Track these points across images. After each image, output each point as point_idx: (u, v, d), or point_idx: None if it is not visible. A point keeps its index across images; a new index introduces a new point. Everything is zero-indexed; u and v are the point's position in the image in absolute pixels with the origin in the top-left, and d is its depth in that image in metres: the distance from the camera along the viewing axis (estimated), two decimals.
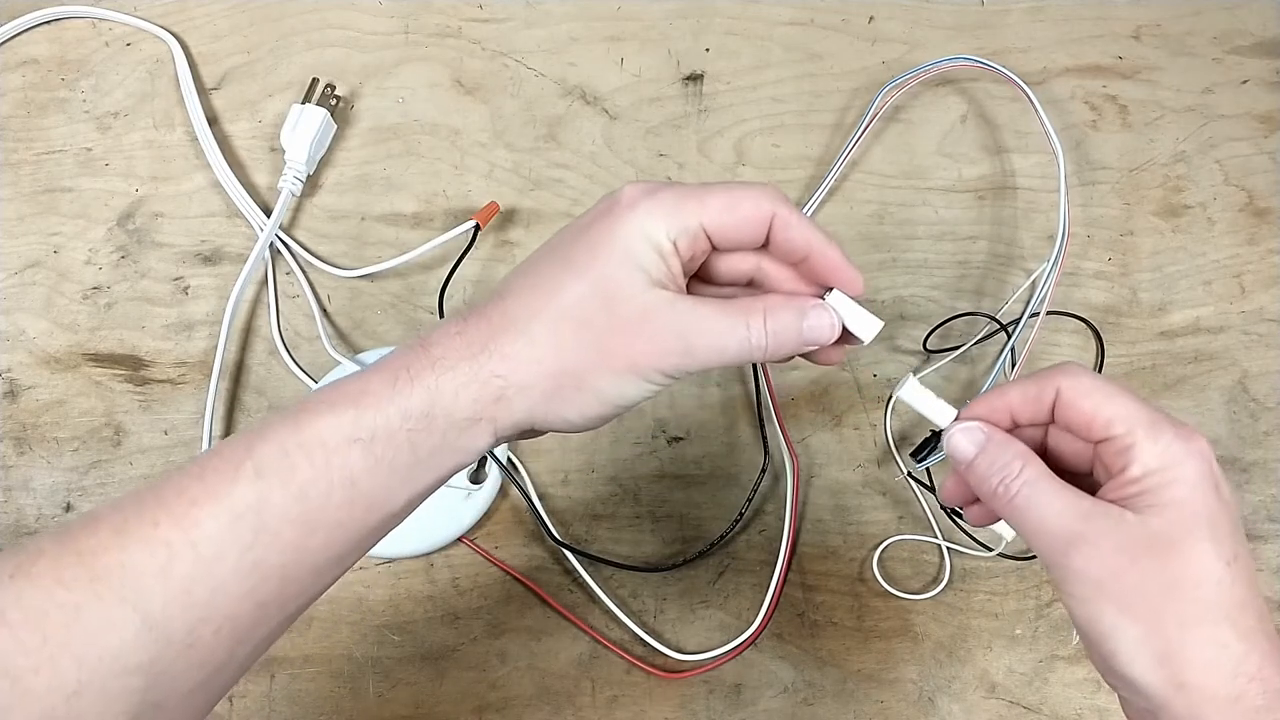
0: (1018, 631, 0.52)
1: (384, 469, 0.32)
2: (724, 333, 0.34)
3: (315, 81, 0.59)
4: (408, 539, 0.52)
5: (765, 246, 0.36)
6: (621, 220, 0.34)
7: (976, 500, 0.37)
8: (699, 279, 0.37)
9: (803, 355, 0.37)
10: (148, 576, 0.30)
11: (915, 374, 0.41)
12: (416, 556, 0.53)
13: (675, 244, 0.34)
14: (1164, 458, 0.32)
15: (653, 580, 0.53)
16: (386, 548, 0.52)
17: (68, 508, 0.54)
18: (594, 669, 0.52)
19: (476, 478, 0.53)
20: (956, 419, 0.36)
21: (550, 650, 0.52)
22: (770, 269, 0.37)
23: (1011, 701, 0.51)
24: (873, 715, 0.51)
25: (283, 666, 0.51)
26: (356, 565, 0.52)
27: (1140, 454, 0.32)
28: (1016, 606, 0.52)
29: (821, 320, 0.36)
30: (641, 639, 0.51)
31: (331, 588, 0.51)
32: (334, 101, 0.58)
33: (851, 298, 0.36)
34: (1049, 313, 0.56)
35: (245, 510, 0.31)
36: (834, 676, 0.52)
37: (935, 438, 0.51)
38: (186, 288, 0.57)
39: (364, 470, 0.32)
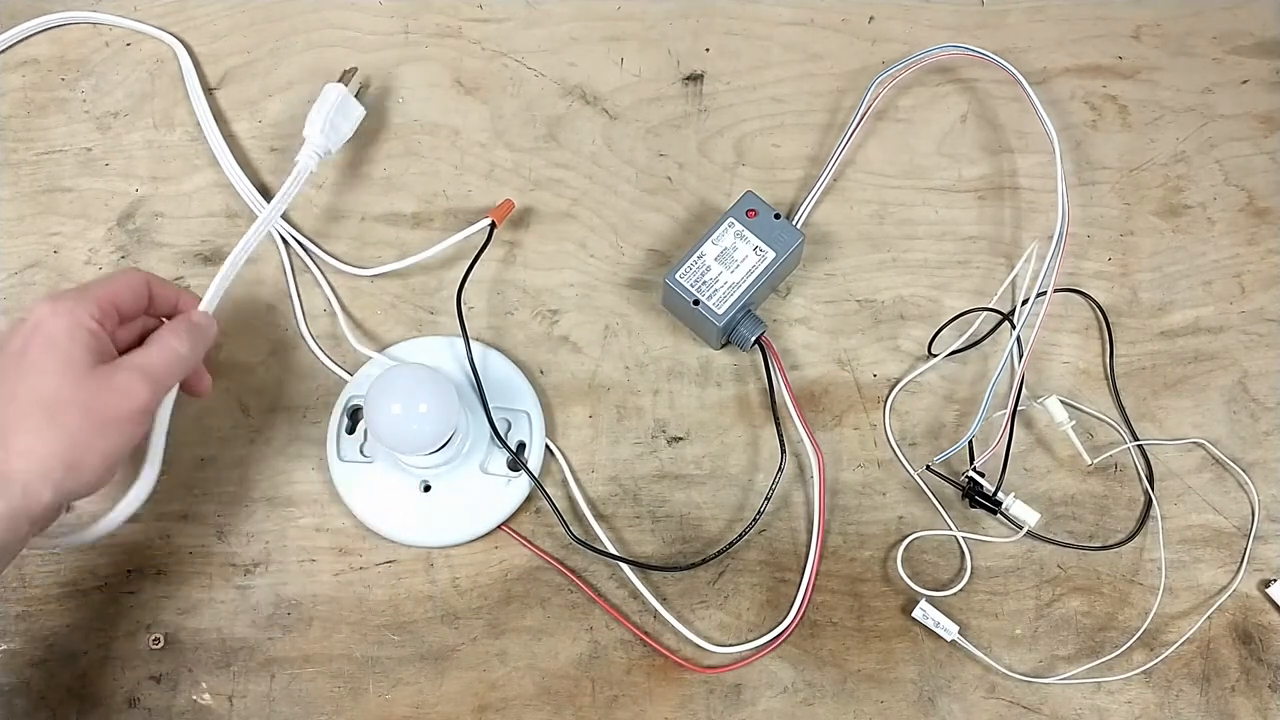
0: (1018, 631, 0.52)
1: None
2: (171, 350, 0.46)
3: (353, 69, 0.59)
4: (452, 527, 0.52)
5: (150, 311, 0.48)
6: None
7: None
8: None
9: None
10: None
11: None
12: (457, 545, 0.53)
13: (100, 323, 0.44)
14: None
15: (652, 580, 0.53)
16: (433, 537, 0.52)
17: (68, 508, 0.54)
18: (594, 669, 0.52)
19: (514, 465, 0.53)
20: None
21: (550, 650, 0.52)
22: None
23: (1011, 701, 0.51)
24: (873, 715, 0.51)
25: (283, 666, 0.51)
26: (357, 566, 0.52)
27: None
28: (1016, 606, 0.52)
29: (208, 319, 0.49)
30: (641, 639, 0.51)
31: (332, 588, 0.52)
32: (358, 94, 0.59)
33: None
34: (1057, 290, 0.56)
35: None
36: (834, 676, 0.52)
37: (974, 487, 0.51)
38: (186, 288, 0.57)
39: None
